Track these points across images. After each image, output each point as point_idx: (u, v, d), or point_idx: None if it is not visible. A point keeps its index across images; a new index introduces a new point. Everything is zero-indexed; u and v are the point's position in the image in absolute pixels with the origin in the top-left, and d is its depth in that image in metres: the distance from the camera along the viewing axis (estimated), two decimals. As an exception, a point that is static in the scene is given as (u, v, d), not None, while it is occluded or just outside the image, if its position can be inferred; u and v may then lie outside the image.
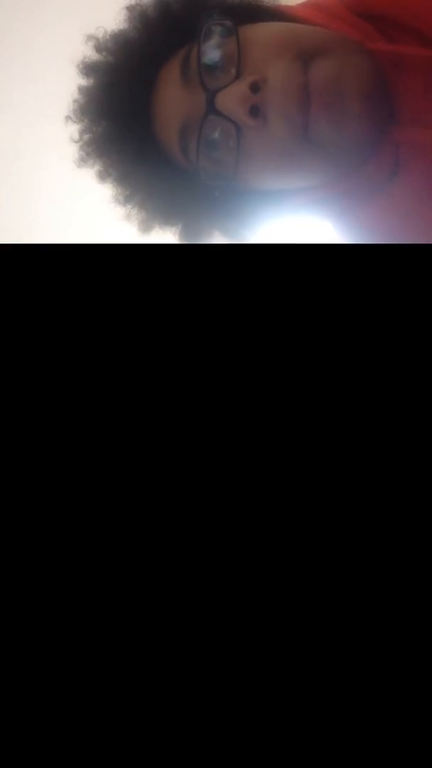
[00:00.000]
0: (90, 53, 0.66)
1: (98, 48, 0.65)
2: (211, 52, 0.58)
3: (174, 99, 0.60)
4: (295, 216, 0.67)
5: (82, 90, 0.66)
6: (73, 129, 0.66)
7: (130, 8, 0.65)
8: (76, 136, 0.66)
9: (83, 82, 0.66)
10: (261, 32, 0.59)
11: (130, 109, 0.62)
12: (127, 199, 0.67)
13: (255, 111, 0.56)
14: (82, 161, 0.66)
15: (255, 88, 0.56)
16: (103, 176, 0.66)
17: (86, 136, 0.66)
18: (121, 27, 0.65)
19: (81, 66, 0.66)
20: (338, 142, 0.57)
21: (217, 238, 0.68)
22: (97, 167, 0.66)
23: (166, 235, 0.68)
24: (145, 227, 0.68)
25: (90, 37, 0.65)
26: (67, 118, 0.66)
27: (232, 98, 0.56)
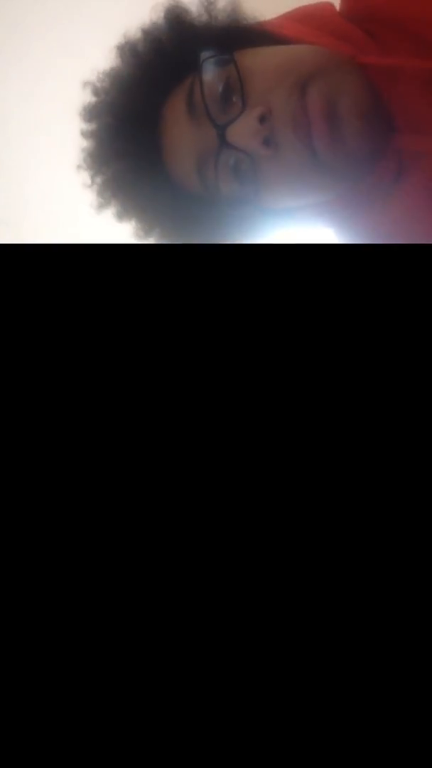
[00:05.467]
0: (89, 98, 0.67)
1: (96, 92, 0.66)
2: (214, 86, 0.59)
3: (184, 136, 0.62)
4: (304, 227, 0.70)
5: (86, 135, 0.67)
6: (85, 176, 0.67)
7: (120, 47, 0.66)
8: (89, 181, 0.67)
9: (86, 127, 0.67)
10: (259, 60, 0.60)
11: (138, 146, 0.63)
12: (147, 233, 0.68)
13: (267, 141, 0.58)
14: (101, 207, 0.67)
15: (263, 119, 0.57)
16: (121, 215, 0.67)
17: (98, 179, 0.67)
18: (114, 67, 0.66)
19: (83, 113, 0.67)
20: (344, 160, 0.58)
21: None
22: (113, 208, 0.67)
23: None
24: None
25: (86, 83, 0.67)
26: (79, 167, 0.67)
27: (243, 132, 0.58)
